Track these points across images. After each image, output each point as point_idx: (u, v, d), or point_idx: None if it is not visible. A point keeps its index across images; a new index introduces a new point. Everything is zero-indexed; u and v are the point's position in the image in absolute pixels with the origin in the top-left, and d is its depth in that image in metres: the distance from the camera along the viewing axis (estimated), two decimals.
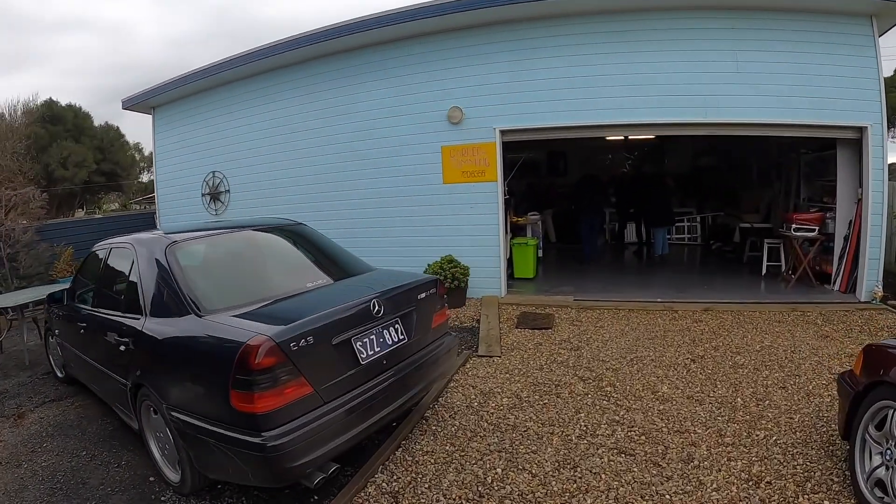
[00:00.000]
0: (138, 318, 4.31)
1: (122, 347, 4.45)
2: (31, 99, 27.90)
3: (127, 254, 4.82)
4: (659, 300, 8.80)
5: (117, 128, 31.75)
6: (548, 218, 14.61)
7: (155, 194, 15.16)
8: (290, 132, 11.21)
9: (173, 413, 3.78)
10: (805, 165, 11.20)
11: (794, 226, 9.69)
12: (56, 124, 27.56)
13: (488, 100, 9.18)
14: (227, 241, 5.07)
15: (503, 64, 9.11)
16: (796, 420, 4.65)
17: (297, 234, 5.47)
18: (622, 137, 13.95)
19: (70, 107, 28.89)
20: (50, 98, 28.29)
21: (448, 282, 8.68)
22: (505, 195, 9.70)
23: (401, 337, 4.29)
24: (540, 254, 12.26)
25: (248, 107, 11.87)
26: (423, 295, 4.59)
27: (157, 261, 4.35)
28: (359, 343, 3.91)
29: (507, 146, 9.52)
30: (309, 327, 3.53)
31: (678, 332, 7.33)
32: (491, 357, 6.68)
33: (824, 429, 4.46)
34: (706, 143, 15.11)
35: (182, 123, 13.35)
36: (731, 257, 12.71)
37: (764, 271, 10.61)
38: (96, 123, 30.51)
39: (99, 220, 17.61)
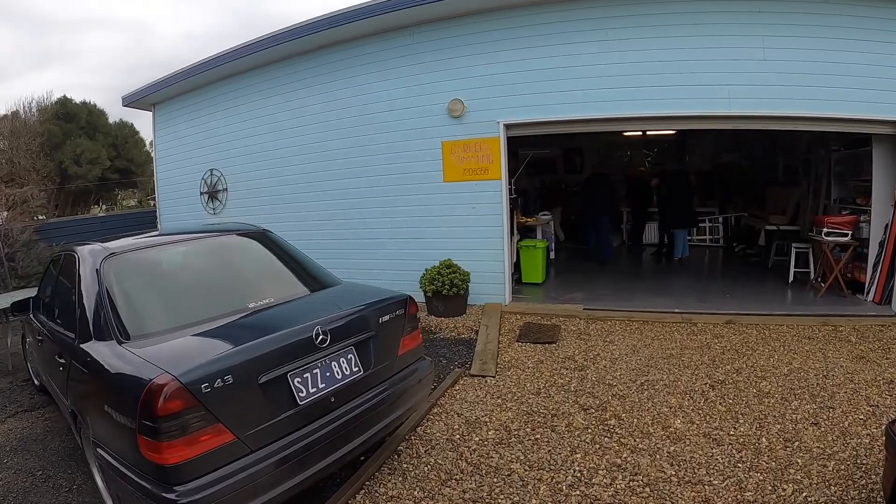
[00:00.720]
0: (72, 339, 3.76)
1: (61, 368, 3.99)
2: (45, 96, 27.77)
3: (73, 264, 4.25)
4: (676, 310, 8.06)
5: (131, 125, 31.48)
6: (556, 217, 13.79)
7: (155, 192, 14.74)
8: (285, 128, 10.63)
9: (97, 449, 3.28)
10: (836, 163, 10.33)
11: (824, 230, 8.87)
12: (70, 122, 27.37)
13: (492, 91, 8.46)
14: (174, 252, 4.47)
15: (508, 53, 8.38)
16: (830, 468, 3.90)
17: (255, 244, 4.80)
18: (640, 133, 13.17)
19: (84, 104, 28.68)
20: (64, 95, 28.14)
21: (446, 289, 8.01)
22: (511, 194, 9.01)
23: (354, 369, 3.64)
24: (552, 255, 11.54)
25: (244, 103, 11.31)
26: (385, 318, 3.92)
27: (91, 274, 3.80)
28: (297, 379, 3.27)
29: (513, 141, 8.82)
30: (226, 364, 2.90)
31: (696, 349, 6.59)
32: (484, 377, 6.00)
33: (863, 481, 3.71)
34: (729, 139, 14.32)
35: (181, 120, 12.86)
36: (755, 262, 11.87)
37: (791, 278, 9.78)
38: (111, 120, 30.27)
39: (101, 219, 17.31)
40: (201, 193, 12.50)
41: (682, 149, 15.44)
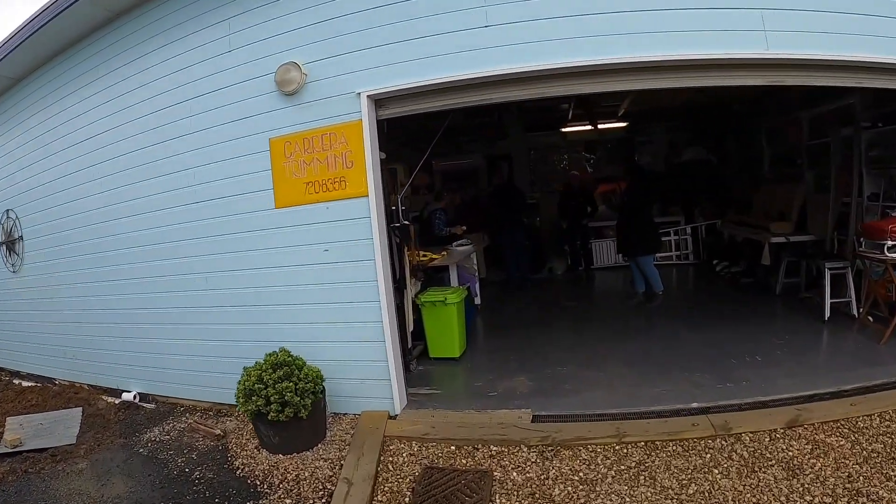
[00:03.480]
0: None
1: None
2: None
3: None
4: (695, 405, 4.34)
5: None
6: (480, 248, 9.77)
7: None
8: (72, 144, 6.50)
9: None
10: (868, 146, 6.82)
11: (887, 242, 5.35)
12: None
13: (347, 42, 4.52)
14: None
15: None
16: None
17: None
18: (589, 126, 9.58)
19: None
20: None
21: (274, 411, 3.99)
22: (397, 219, 5.13)
23: None
24: (477, 300, 7.67)
25: (35, 112, 7.07)
26: None
27: None
28: None
29: (393, 127, 4.95)
30: None
31: None
32: None
33: None
34: (690, 132, 11.23)
35: None
36: (750, 284, 8.28)
37: (828, 314, 6.17)
38: None
39: None
40: None
41: (629, 146, 11.86)
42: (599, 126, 10.15)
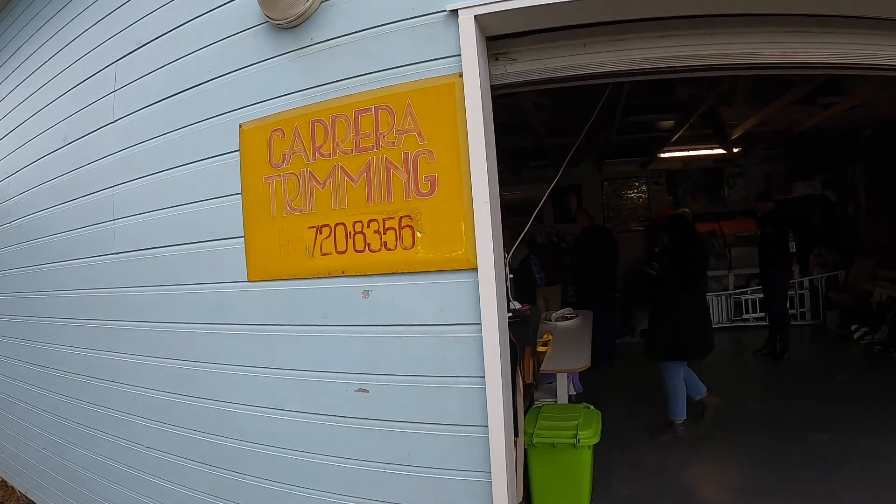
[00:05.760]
0: None
1: None
2: None
3: None
4: None
5: None
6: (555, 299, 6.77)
7: None
8: None
9: None
10: None
11: None
12: None
13: None
14: None
15: None
16: None
17: None
18: (721, 150, 6.86)
19: None
20: None
21: None
22: (515, 301, 2.29)
23: None
24: (580, 389, 4.63)
25: None
26: None
27: None
28: None
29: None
30: None
31: None
32: None
33: None
34: (793, 161, 8.50)
35: None
36: None
37: None
38: None
39: None
40: None
41: (717, 179, 8.99)
42: (698, 152, 7.33)
